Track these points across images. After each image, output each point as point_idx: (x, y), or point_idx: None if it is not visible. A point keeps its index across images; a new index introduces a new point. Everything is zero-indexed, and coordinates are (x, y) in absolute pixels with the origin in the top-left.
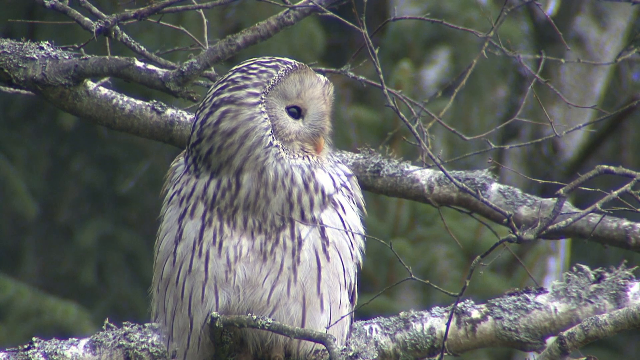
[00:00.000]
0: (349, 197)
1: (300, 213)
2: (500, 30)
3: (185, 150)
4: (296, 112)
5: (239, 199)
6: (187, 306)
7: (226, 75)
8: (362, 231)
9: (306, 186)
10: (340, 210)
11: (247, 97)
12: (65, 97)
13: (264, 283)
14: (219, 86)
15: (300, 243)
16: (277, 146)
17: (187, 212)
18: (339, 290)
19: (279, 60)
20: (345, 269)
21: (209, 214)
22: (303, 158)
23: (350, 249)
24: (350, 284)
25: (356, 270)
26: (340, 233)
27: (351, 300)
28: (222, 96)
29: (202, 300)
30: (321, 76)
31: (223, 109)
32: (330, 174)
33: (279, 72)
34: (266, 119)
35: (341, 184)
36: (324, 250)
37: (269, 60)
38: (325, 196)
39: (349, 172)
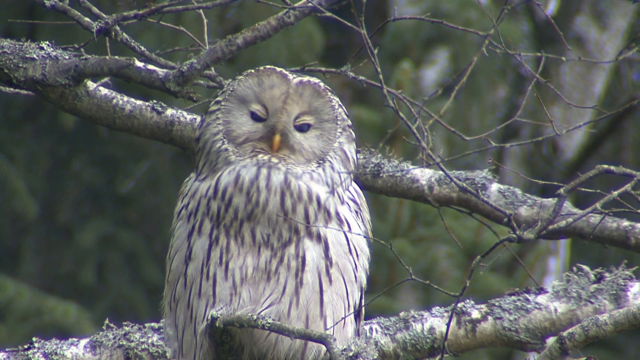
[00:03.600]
0: (356, 212)
1: (304, 227)
2: (500, 30)
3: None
4: (260, 115)
5: (239, 209)
6: (194, 326)
7: None
8: (367, 252)
9: (293, 191)
10: (345, 228)
11: (213, 105)
12: (66, 97)
13: (264, 303)
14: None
15: (304, 263)
16: (225, 150)
17: (195, 230)
18: (342, 311)
19: (253, 68)
20: (349, 291)
21: (216, 232)
22: (251, 158)
23: (354, 271)
24: (355, 305)
25: (360, 293)
26: (344, 254)
27: (357, 317)
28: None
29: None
30: (297, 78)
31: (203, 115)
32: (325, 181)
33: (239, 77)
34: (219, 124)
35: (349, 198)
36: (327, 272)
37: (247, 70)
38: (321, 204)
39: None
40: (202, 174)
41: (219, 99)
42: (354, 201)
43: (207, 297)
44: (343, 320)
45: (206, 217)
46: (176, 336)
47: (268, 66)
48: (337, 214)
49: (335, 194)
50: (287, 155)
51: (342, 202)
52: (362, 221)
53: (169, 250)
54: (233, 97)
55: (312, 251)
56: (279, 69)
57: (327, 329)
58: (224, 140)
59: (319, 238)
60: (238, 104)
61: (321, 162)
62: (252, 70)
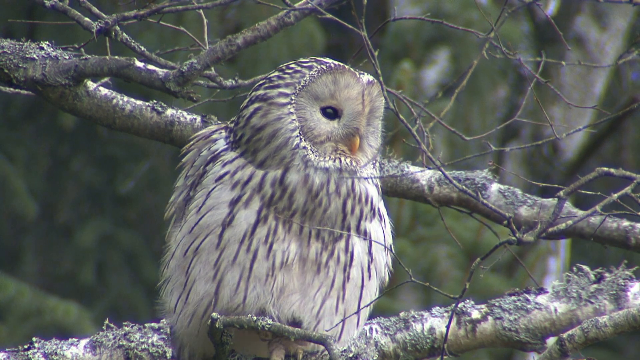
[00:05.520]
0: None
1: (356, 223)
2: (500, 31)
3: (223, 124)
4: (332, 113)
5: (297, 204)
6: (217, 286)
7: (270, 73)
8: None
9: (356, 195)
10: (383, 224)
11: (278, 97)
12: (66, 98)
13: (315, 296)
14: (260, 82)
15: (352, 258)
16: (304, 148)
17: (242, 200)
18: (371, 307)
19: (315, 61)
20: (377, 287)
21: (265, 211)
22: (334, 160)
23: (384, 267)
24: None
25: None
26: (380, 250)
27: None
28: (257, 92)
29: (236, 291)
30: (365, 77)
31: (256, 105)
32: (372, 180)
33: (311, 72)
34: (294, 120)
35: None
36: (368, 268)
37: (307, 60)
38: (373, 205)
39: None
40: (264, 165)
41: (285, 91)
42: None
43: (242, 268)
44: (367, 316)
45: (256, 194)
46: (183, 282)
47: (338, 63)
48: (379, 210)
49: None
50: (359, 157)
51: (380, 199)
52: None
53: (190, 200)
54: (305, 93)
55: (358, 247)
56: (347, 67)
57: (358, 326)
58: (302, 137)
59: (365, 234)
60: (311, 101)
61: (374, 162)
62: (324, 67)
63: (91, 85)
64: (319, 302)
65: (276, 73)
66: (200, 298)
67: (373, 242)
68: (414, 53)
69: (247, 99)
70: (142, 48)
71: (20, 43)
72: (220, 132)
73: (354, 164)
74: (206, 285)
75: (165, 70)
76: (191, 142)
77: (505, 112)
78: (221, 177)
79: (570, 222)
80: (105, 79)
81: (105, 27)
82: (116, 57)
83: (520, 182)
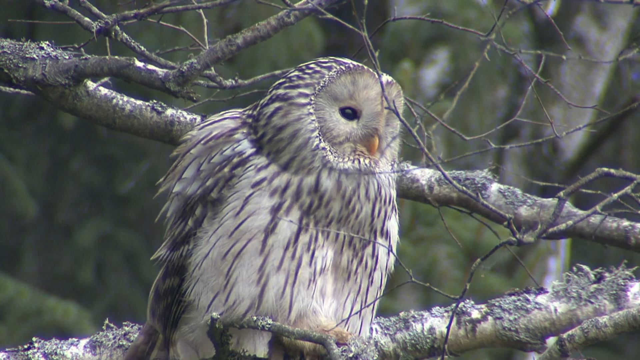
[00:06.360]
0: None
1: (381, 225)
2: (500, 30)
3: (241, 120)
4: (351, 113)
5: (334, 212)
6: (260, 292)
7: (289, 71)
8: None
9: (383, 198)
10: (397, 217)
11: (298, 97)
12: (65, 97)
13: (345, 302)
14: (281, 80)
15: (376, 262)
16: (323, 149)
17: (283, 208)
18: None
19: (334, 61)
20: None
21: (306, 219)
22: (353, 161)
23: (392, 262)
24: None
25: None
26: (395, 249)
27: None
28: (278, 92)
29: (282, 295)
30: (383, 77)
31: (277, 105)
32: (389, 179)
33: (330, 73)
34: (313, 120)
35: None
36: (387, 267)
37: (326, 60)
38: (393, 205)
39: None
40: (289, 168)
41: (304, 91)
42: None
43: (288, 274)
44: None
45: (295, 202)
46: (221, 284)
47: (357, 63)
48: (394, 207)
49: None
50: (379, 159)
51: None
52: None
53: (220, 203)
54: (324, 94)
55: (382, 248)
56: (366, 67)
57: (372, 324)
58: (321, 138)
59: (387, 235)
60: (330, 101)
61: (393, 164)
62: (343, 67)
63: (91, 85)
64: (348, 309)
65: (296, 72)
66: (241, 300)
67: (392, 242)
68: (412, 53)
69: (268, 97)
70: (142, 48)
71: (20, 43)
72: (242, 131)
73: (372, 164)
74: (250, 288)
75: (165, 70)
76: (204, 136)
77: (505, 111)
78: (258, 183)
79: (570, 222)
80: (105, 79)
81: (105, 27)
82: (116, 57)
83: (520, 182)
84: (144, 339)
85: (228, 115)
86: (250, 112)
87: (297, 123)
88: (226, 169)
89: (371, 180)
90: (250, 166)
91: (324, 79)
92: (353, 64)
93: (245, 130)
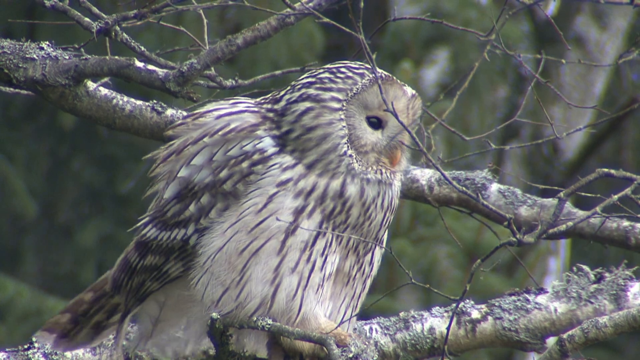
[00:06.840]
0: None
1: (384, 233)
2: (500, 31)
3: (258, 120)
4: (376, 123)
5: (352, 218)
6: (273, 292)
7: (315, 71)
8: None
9: (393, 207)
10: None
11: (331, 100)
12: (65, 98)
13: (340, 307)
14: (309, 79)
15: (372, 268)
16: (350, 156)
17: (306, 211)
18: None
19: (366, 68)
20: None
21: (326, 224)
22: (376, 172)
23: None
24: None
25: None
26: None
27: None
28: (309, 91)
29: (293, 297)
30: (408, 89)
31: (308, 104)
32: (399, 189)
33: (363, 80)
34: (344, 127)
35: None
36: (372, 272)
37: (357, 66)
38: (394, 211)
39: None
40: (314, 168)
41: (337, 96)
42: None
43: (301, 276)
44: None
45: (319, 206)
46: (235, 280)
47: (386, 74)
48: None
49: None
50: (397, 170)
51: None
52: None
53: (235, 197)
54: (356, 101)
55: (378, 255)
56: (395, 78)
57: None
58: (349, 145)
59: (381, 242)
60: (360, 109)
61: (404, 173)
62: (373, 77)
63: (91, 85)
64: (342, 312)
65: (327, 74)
66: (252, 298)
67: (385, 246)
68: (412, 53)
69: (296, 94)
70: (142, 48)
71: (20, 43)
72: (264, 128)
73: (391, 177)
74: (263, 287)
75: (165, 71)
76: (221, 127)
77: (505, 112)
78: (283, 182)
79: (570, 223)
80: (105, 79)
81: (105, 27)
82: (116, 57)
83: (520, 182)
84: (92, 297)
85: (242, 106)
86: (270, 105)
87: (328, 127)
88: (244, 164)
89: (387, 190)
90: (274, 165)
91: (357, 86)
92: (385, 74)
93: (267, 127)
